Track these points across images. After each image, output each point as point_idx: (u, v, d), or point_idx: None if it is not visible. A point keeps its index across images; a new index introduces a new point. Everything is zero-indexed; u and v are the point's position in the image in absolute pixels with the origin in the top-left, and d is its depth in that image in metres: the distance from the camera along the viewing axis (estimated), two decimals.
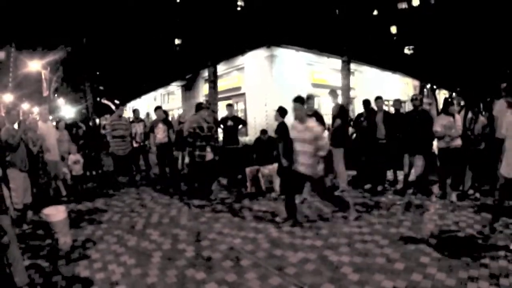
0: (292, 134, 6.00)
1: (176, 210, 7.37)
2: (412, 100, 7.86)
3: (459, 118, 7.24)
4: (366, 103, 8.92)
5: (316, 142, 5.58)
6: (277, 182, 8.37)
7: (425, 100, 28.45)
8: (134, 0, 21.29)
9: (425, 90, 30.23)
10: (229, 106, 10.36)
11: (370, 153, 8.34)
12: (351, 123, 9.52)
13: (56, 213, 5.46)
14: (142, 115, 14.42)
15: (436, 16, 22.95)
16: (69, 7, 20.22)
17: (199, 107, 8.58)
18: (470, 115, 7.67)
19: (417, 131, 7.49)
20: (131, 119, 10.76)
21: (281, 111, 8.02)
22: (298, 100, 5.80)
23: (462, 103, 8.33)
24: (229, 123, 9.58)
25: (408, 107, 21.42)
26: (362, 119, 8.73)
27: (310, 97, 8.39)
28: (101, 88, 33.69)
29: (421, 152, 7.57)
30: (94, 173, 10.96)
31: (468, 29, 22.88)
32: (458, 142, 7.16)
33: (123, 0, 21.42)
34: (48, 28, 24.00)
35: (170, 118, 12.09)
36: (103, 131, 11.22)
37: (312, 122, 5.77)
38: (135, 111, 11.45)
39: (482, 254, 4.64)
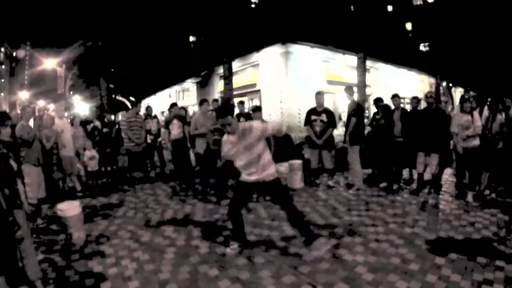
0: (226, 150, 4.71)
1: (190, 206, 7.37)
2: (426, 97, 7.76)
3: (477, 116, 7.09)
4: (377, 101, 8.86)
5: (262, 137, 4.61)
6: (295, 179, 8.35)
7: (441, 98, 28.24)
8: None
9: (441, 87, 29.91)
10: (241, 103, 10.38)
11: (387, 151, 8.24)
12: (368, 121, 9.44)
13: (70, 208, 5.51)
14: (158, 112, 14.51)
15: (452, 12, 22.71)
16: (85, 6, 20.39)
17: (201, 102, 8.61)
18: (486, 113, 7.55)
19: (432, 129, 7.38)
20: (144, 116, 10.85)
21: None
22: (224, 112, 4.57)
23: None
24: (241, 120, 9.57)
25: (424, 105, 21.23)
26: (378, 116, 8.66)
27: (319, 93, 8.36)
28: (111, 86, 33.86)
29: (436, 150, 7.45)
30: (109, 169, 11.04)
31: (484, 25, 22.61)
32: (476, 141, 7.02)
33: None
34: (64, 26, 24.25)
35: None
36: (105, 130, 11.28)
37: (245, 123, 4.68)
38: (148, 108, 11.55)
39: (498, 256, 4.56)
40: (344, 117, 12.94)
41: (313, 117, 8.27)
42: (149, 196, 8.33)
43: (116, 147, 10.67)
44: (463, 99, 7.48)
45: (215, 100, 11.12)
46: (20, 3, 25.55)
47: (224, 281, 4.18)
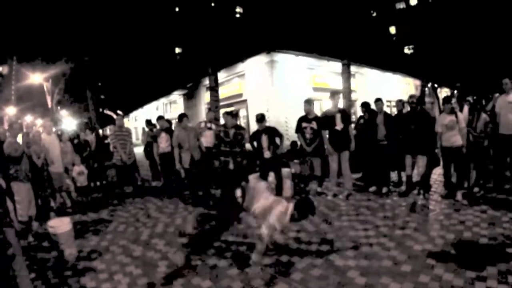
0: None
1: (181, 219, 7.35)
2: (408, 101, 7.88)
3: (462, 117, 7.19)
4: (365, 105, 8.95)
5: None
6: (284, 187, 8.35)
7: (426, 99, 28.48)
8: (134, 11, 21.42)
9: (426, 89, 30.18)
10: (229, 114, 10.53)
11: (372, 155, 8.31)
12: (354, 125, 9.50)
13: (61, 225, 5.48)
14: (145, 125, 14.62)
15: (435, 14, 23.01)
16: (70, 19, 20.36)
17: (180, 118, 8.70)
18: (466, 113, 7.65)
19: (417, 131, 7.46)
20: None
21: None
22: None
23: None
24: (232, 131, 9.61)
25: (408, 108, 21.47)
26: (361, 121, 8.77)
27: (309, 101, 8.41)
28: (102, 97, 33.76)
29: (422, 152, 7.52)
30: (98, 183, 10.98)
31: (467, 26, 22.90)
32: (459, 141, 7.10)
33: (123, 10, 21.56)
34: (50, 41, 24.16)
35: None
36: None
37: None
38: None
39: (490, 252, 4.62)
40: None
41: (304, 125, 8.30)
42: (139, 210, 8.30)
43: (104, 162, 10.65)
44: (445, 100, 7.59)
45: (210, 110, 11.15)
46: (4, 18, 25.41)
47: None
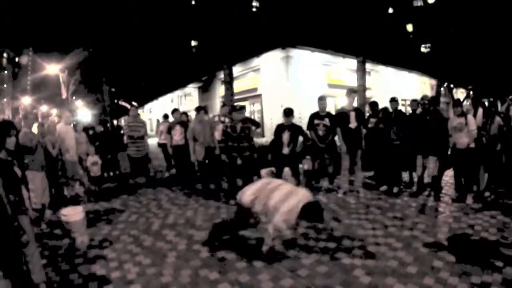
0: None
1: (192, 211, 7.42)
2: (420, 102, 7.88)
3: (472, 120, 7.11)
4: (372, 105, 8.94)
5: None
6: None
7: (442, 99, 28.20)
8: (151, 3, 21.52)
9: (442, 89, 29.87)
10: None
11: (384, 155, 8.28)
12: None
13: (73, 213, 5.58)
14: (160, 117, 14.82)
15: (453, 12, 22.72)
16: (86, 11, 20.51)
17: (198, 110, 8.76)
18: (481, 115, 7.58)
19: (429, 132, 7.43)
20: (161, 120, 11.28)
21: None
22: None
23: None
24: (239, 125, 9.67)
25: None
26: (373, 119, 8.75)
27: (322, 98, 8.42)
28: (113, 90, 33.96)
29: (433, 153, 7.50)
30: (111, 174, 11.11)
31: (485, 26, 22.60)
32: (467, 143, 7.03)
33: (140, 2, 21.66)
34: (66, 32, 24.36)
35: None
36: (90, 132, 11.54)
37: None
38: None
39: (496, 258, 4.59)
40: None
41: (316, 121, 8.31)
42: (151, 201, 8.39)
43: (118, 153, 10.76)
44: (456, 103, 7.53)
45: (224, 105, 11.17)
46: (22, 8, 25.71)
47: (224, 284, 4.25)
